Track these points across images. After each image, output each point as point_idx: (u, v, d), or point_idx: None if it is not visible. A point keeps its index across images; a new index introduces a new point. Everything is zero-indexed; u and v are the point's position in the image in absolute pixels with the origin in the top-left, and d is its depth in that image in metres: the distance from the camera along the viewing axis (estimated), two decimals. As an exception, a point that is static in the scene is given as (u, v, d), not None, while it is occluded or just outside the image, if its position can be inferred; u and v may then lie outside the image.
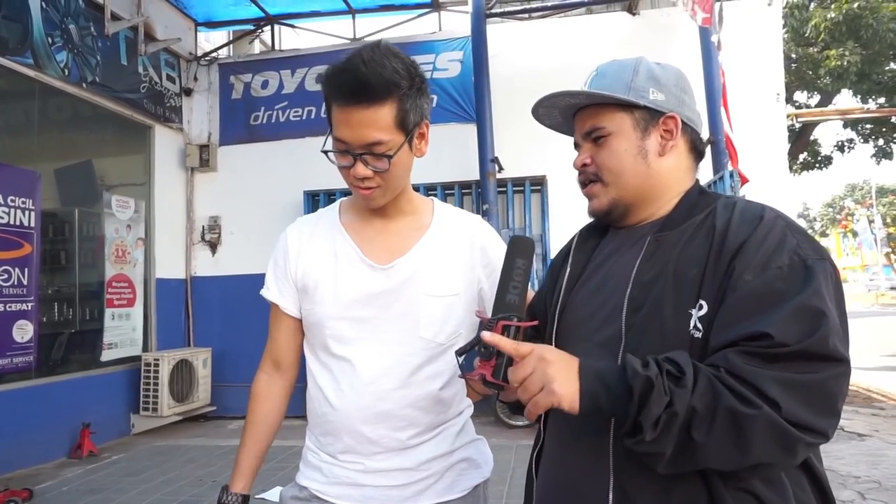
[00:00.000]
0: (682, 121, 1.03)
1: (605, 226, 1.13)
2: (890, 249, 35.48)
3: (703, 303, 0.88)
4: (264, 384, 1.38)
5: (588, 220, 1.19)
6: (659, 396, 0.79)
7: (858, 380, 8.23)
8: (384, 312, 1.27)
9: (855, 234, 32.43)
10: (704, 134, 1.11)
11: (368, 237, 1.31)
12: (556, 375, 0.84)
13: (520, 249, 1.03)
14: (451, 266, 1.31)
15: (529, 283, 1.03)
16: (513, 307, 0.98)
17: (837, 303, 0.85)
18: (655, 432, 0.79)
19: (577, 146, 1.11)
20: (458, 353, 1.02)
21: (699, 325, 0.87)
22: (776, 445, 0.79)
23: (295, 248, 1.34)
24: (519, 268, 1.01)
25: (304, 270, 1.31)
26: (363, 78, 1.12)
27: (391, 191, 1.25)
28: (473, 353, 1.01)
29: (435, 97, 6.71)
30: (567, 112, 1.10)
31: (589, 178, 1.07)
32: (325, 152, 1.21)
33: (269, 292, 1.36)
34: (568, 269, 1.11)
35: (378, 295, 1.27)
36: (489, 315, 1.00)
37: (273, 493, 4.01)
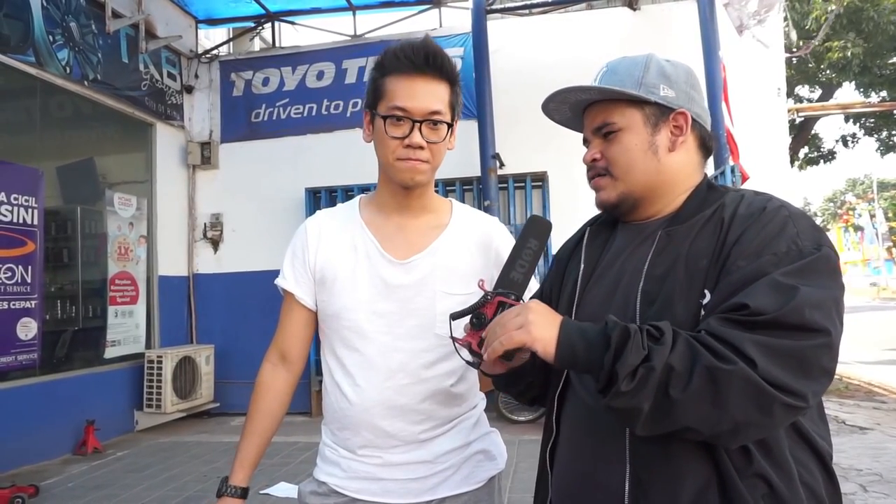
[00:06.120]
0: (692, 117, 1.04)
1: (614, 221, 1.14)
2: (892, 244, 35.40)
3: (706, 292, 0.90)
4: (269, 375, 1.37)
5: (590, 215, 1.19)
6: (636, 347, 0.81)
7: (860, 374, 8.25)
8: (401, 307, 1.29)
9: (857, 228, 32.38)
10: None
11: (388, 233, 1.33)
12: (536, 320, 0.88)
13: (535, 230, 1.03)
14: (467, 265, 1.32)
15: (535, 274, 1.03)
16: (514, 285, 0.99)
17: (829, 285, 0.85)
18: (631, 384, 0.80)
19: (585, 142, 1.12)
20: (453, 316, 1.02)
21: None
22: (752, 403, 0.80)
23: (315, 239, 1.35)
24: (529, 248, 1.01)
25: (323, 262, 1.33)
26: (436, 51, 1.24)
27: (433, 169, 1.28)
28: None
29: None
30: (577, 107, 1.11)
31: (598, 173, 1.08)
32: (384, 117, 1.24)
33: (285, 281, 1.37)
34: (581, 266, 1.11)
35: (396, 289, 1.29)
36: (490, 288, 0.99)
37: (277, 489, 4.02)
